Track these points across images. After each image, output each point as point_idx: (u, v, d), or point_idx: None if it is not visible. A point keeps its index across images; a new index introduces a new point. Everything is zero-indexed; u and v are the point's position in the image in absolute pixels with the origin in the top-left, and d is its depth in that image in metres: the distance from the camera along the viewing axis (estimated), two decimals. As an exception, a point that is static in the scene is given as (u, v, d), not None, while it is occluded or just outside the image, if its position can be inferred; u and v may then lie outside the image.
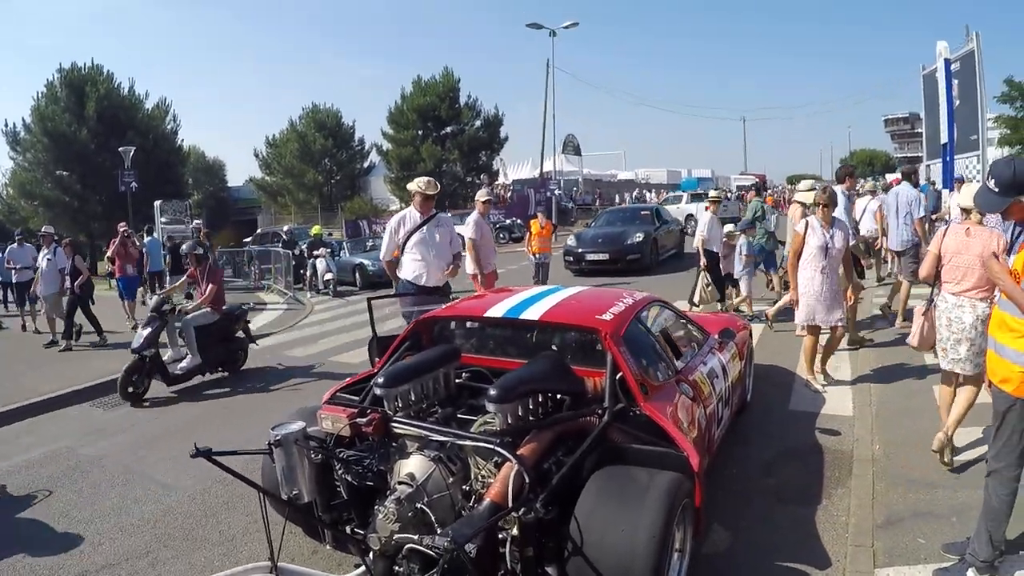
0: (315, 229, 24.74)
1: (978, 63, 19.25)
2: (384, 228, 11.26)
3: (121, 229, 16.61)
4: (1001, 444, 4.25)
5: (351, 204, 55.56)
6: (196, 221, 17.13)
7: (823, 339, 8.76)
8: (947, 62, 19.34)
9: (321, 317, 17.07)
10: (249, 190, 65.42)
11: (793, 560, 5.00)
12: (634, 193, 62.65)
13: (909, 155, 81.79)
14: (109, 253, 16.91)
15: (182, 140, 51.30)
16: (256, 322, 16.32)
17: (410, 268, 8.85)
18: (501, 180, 57.44)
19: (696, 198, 39.41)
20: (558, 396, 5.08)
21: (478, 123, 58.66)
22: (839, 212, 9.16)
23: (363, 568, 4.33)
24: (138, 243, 17.82)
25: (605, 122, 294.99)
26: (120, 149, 28.46)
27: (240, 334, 11.74)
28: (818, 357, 8.77)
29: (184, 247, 12.82)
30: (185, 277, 11.83)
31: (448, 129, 57.67)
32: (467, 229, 10.86)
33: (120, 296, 17.10)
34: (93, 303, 14.92)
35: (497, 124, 59.32)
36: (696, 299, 13.04)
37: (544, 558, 4.03)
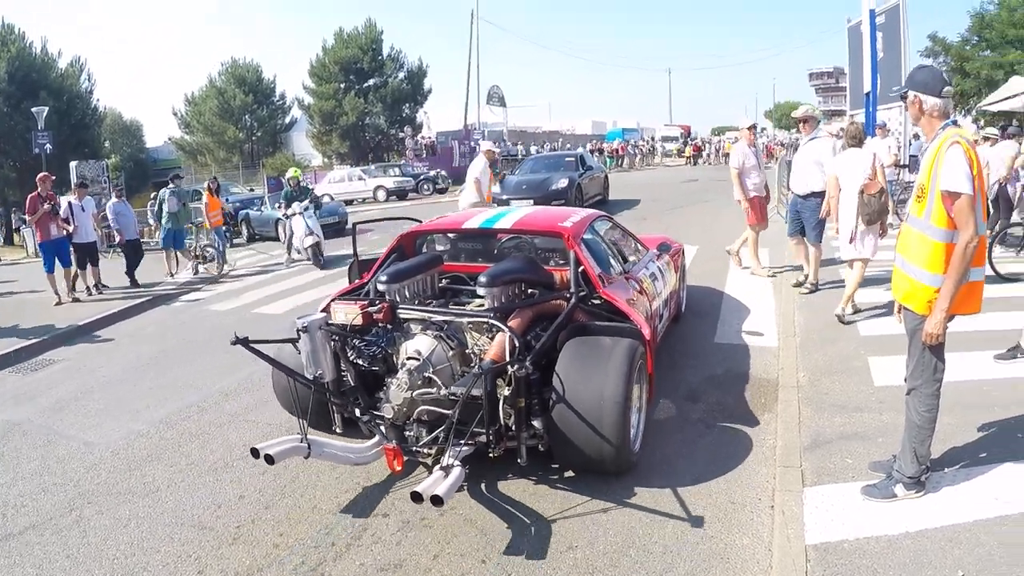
0: (293, 172, 18.36)
1: (903, 17, 19.63)
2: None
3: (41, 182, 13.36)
4: (915, 362, 4.35)
5: (272, 160, 54.46)
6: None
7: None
8: (872, 12, 19.71)
9: (242, 273, 16.80)
10: (168, 150, 63.62)
11: (723, 481, 5.12)
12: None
13: (833, 108, 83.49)
14: (28, 214, 13.75)
15: (97, 100, 49.52)
16: (173, 281, 16.01)
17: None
18: (425, 132, 56.90)
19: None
20: (530, 290, 6.10)
21: (401, 75, 57.92)
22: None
23: (378, 438, 5.27)
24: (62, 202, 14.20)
25: (530, 74, 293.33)
26: (33, 110, 27.36)
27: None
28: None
29: None
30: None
31: (371, 81, 56.78)
32: (733, 158, 11.68)
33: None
34: None
35: (421, 76, 58.67)
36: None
37: (531, 413, 4.88)
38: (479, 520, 4.83)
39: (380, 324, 5.44)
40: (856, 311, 8.56)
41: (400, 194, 36.36)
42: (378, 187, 36.78)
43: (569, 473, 5.37)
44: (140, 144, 66.90)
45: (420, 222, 7.52)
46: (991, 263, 9.69)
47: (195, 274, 16.34)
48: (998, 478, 4.61)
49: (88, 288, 14.32)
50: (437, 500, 4.07)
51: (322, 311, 5.68)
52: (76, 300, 13.62)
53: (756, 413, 6.26)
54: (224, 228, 19.77)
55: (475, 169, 12.98)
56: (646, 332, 5.49)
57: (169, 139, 63.12)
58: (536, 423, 4.95)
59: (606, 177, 26.14)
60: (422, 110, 59.36)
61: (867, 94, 20.09)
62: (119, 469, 6.11)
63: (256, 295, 13.61)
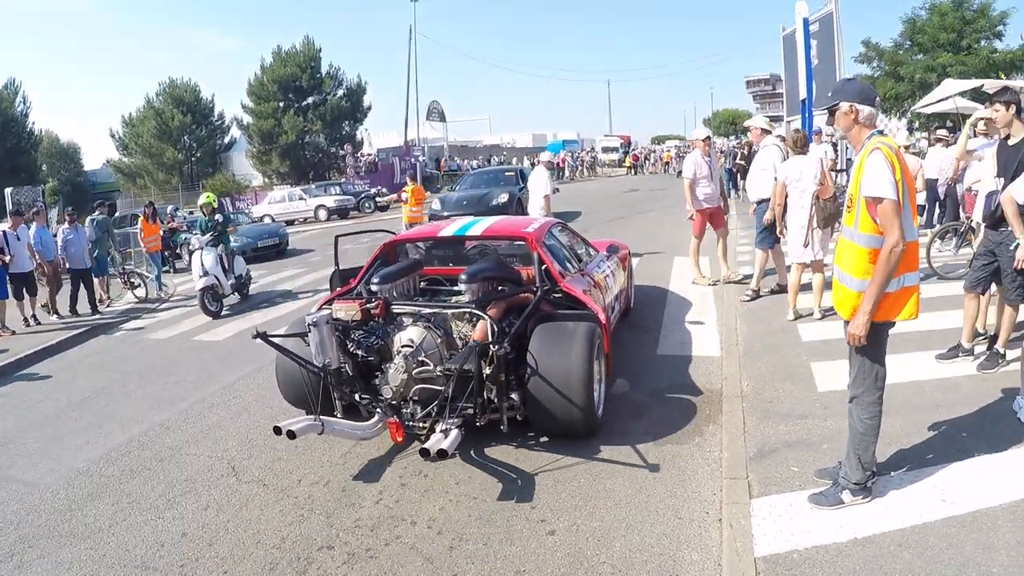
0: (206, 197, 15.07)
1: (836, 24, 20.01)
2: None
3: None
4: (856, 370, 4.38)
5: (212, 182, 53.72)
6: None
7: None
8: (805, 21, 20.13)
9: (181, 299, 16.47)
10: (107, 173, 62.81)
11: (670, 496, 5.11)
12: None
13: (770, 114, 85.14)
14: None
15: (33, 123, 48.79)
16: (113, 307, 15.81)
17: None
18: (366, 149, 56.67)
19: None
20: (500, 287, 6.89)
21: (341, 92, 57.70)
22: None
23: (378, 416, 5.92)
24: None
25: (470, 89, 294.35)
26: (-34, 135, 26.91)
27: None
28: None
29: None
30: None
31: (310, 100, 56.66)
32: (686, 168, 11.60)
33: None
34: None
35: (360, 93, 58.62)
36: None
37: (509, 388, 5.85)
38: (424, 548, 4.82)
39: (376, 319, 6.24)
40: (797, 317, 8.70)
41: (341, 213, 36.10)
42: (319, 206, 36.47)
43: (544, 438, 6.26)
44: (78, 167, 66.03)
45: (394, 234, 8.41)
46: (929, 262, 9.86)
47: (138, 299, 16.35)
48: (944, 479, 4.67)
49: (25, 319, 13.95)
50: (443, 453, 4.98)
51: (318, 309, 6.49)
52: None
53: (701, 425, 6.29)
54: (165, 253, 19.50)
55: (543, 184, 14.18)
56: (602, 317, 6.49)
57: (107, 161, 62.26)
58: (514, 396, 5.92)
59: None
60: (362, 127, 59.24)
61: (803, 100, 20.46)
62: (60, 510, 5.92)
63: (196, 322, 13.33)
